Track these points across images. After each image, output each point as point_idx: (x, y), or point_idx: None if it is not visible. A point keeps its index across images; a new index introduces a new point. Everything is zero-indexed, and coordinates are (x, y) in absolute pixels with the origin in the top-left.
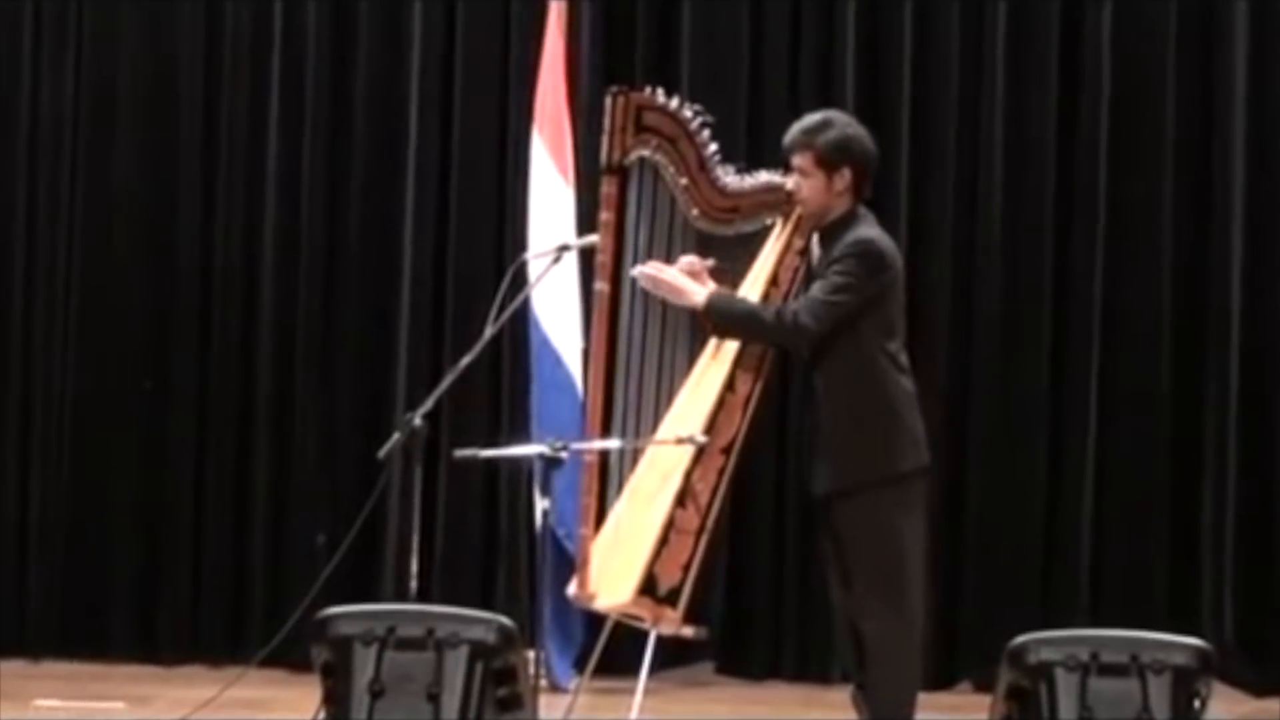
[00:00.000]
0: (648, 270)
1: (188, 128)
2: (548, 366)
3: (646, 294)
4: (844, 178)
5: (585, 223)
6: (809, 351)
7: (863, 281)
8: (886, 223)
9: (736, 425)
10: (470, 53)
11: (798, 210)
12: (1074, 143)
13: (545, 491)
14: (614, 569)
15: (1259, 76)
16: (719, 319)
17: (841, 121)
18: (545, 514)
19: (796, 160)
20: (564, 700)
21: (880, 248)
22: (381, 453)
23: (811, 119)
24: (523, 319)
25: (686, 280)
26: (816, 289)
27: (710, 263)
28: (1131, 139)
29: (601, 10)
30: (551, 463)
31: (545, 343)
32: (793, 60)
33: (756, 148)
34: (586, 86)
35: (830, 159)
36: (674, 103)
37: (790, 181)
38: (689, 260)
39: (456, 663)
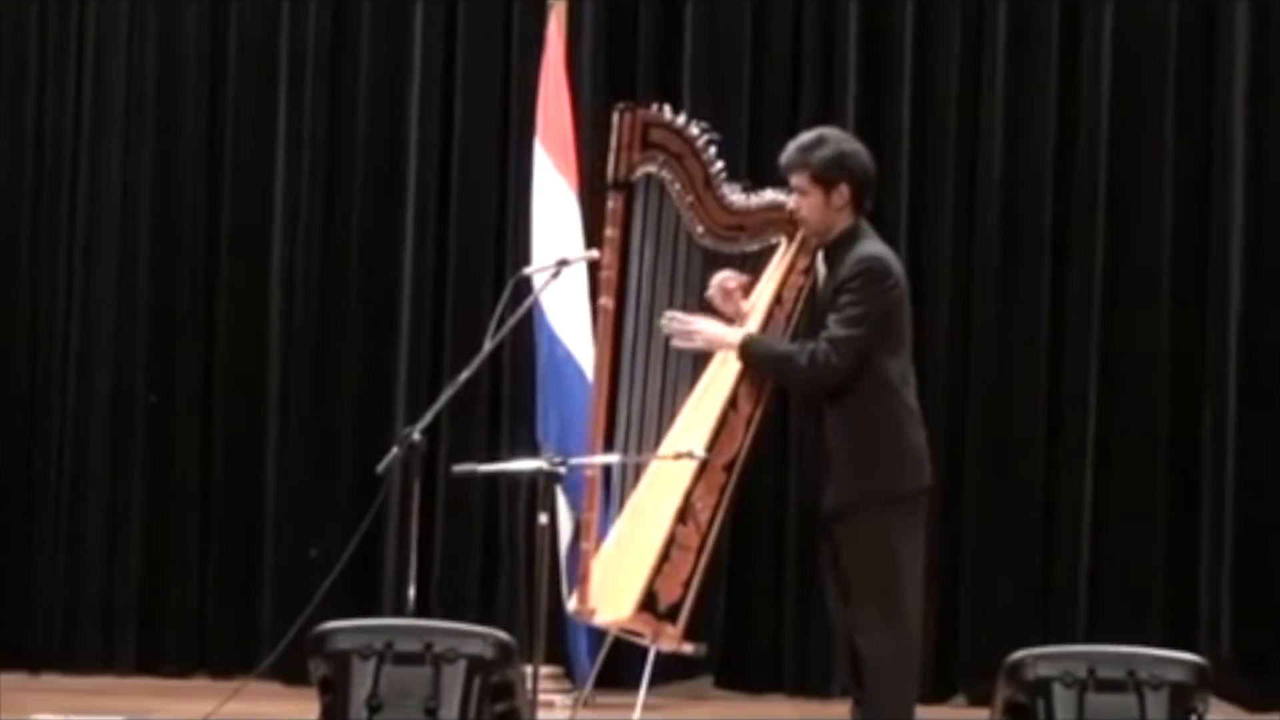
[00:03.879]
0: (679, 327)
1: (191, 144)
2: (573, 382)
3: (650, 311)
4: (842, 194)
5: (588, 234)
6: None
7: (875, 305)
8: (887, 227)
9: (738, 443)
10: (471, 60)
11: (802, 229)
12: (1073, 143)
13: (546, 506)
14: (615, 584)
15: (1259, 75)
16: (755, 361)
17: (837, 137)
18: (545, 528)
19: (794, 179)
20: (566, 710)
21: (885, 264)
22: (380, 467)
23: (807, 136)
24: (527, 333)
25: (717, 326)
26: (834, 324)
27: (745, 278)
28: (1131, 139)
29: (603, 17)
30: (551, 478)
31: (569, 359)
32: (794, 67)
33: (758, 155)
34: (588, 94)
35: (827, 176)
36: (680, 119)
37: (791, 201)
38: (724, 276)
39: (454, 677)
